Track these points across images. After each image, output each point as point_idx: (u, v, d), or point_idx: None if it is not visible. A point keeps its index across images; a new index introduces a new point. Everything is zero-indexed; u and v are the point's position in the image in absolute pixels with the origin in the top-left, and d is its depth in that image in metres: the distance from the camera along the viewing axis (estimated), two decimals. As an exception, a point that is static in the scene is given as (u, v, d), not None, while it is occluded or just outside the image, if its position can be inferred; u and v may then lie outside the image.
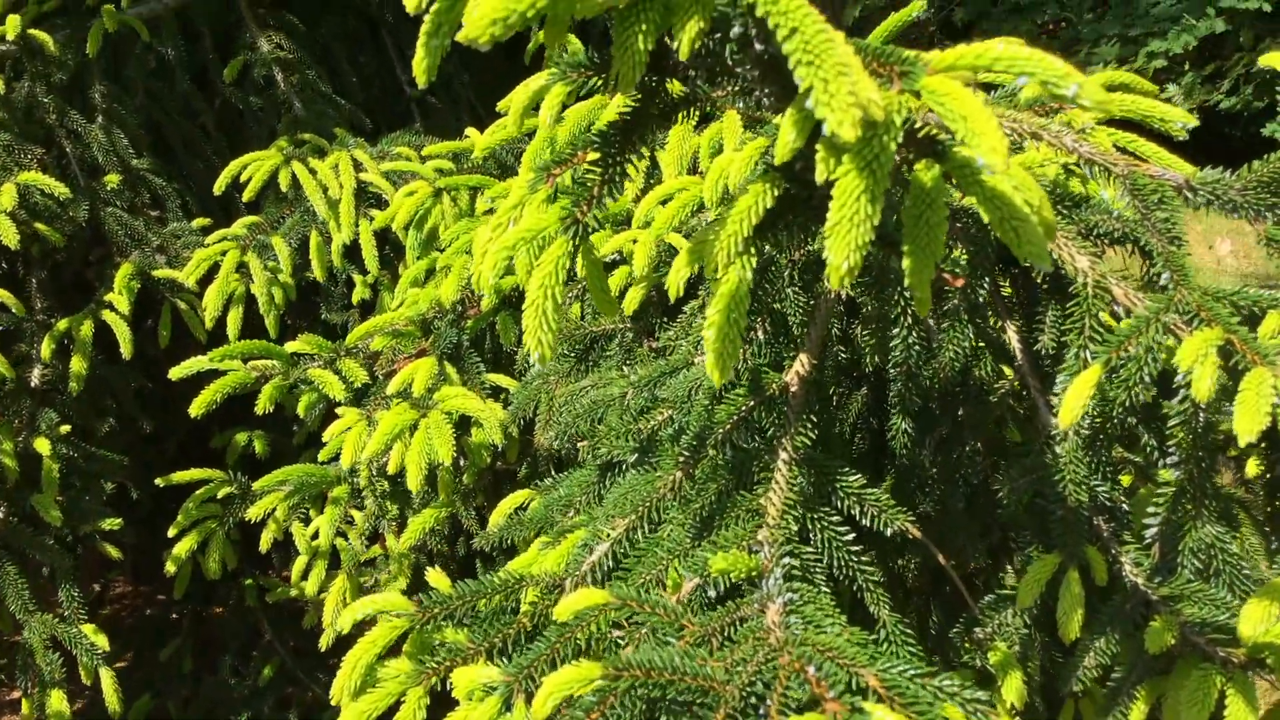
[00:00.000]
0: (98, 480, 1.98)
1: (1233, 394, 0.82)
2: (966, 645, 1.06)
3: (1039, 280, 1.11)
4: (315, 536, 1.79)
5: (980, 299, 1.08)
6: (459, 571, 2.01)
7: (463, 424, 1.57)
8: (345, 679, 0.94)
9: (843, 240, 0.59)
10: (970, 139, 0.56)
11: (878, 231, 0.60)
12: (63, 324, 1.94)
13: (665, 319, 1.44)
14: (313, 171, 1.95)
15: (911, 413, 1.13)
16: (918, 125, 0.71)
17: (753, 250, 0.71)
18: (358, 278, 2.06)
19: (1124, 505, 1.04)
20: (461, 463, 1.63)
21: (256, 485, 1.74)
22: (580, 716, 0.70)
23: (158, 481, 1.88)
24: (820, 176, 0.64)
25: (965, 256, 1.07)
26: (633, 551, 0.97)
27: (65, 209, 2.01)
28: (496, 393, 1.69)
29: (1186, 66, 5.49)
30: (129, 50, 2.34)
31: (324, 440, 1.59)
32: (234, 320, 1.87)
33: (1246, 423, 0.77)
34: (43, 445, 1.83)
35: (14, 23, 2.01)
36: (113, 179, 2.14)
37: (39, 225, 1.96)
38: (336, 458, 1.62)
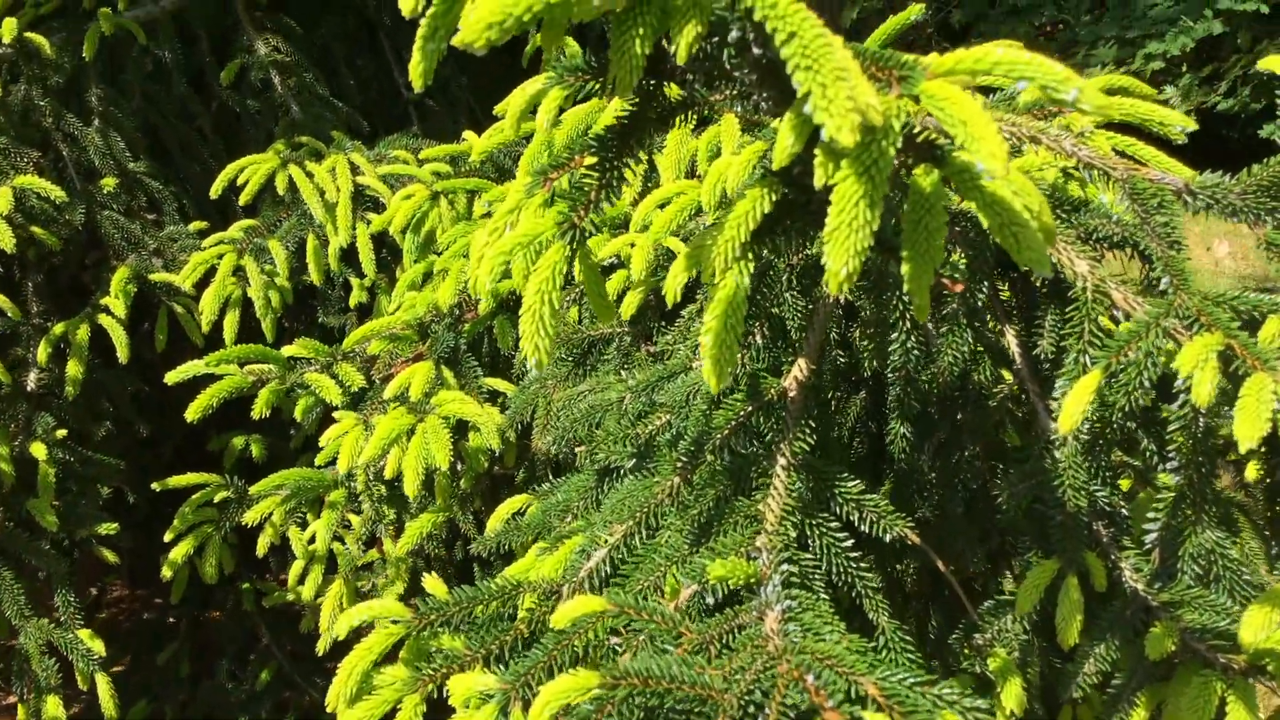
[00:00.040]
0: (94, 485, 1.97)
1: (1233, 398, 0.81)
2: (966, 651, 1.06)
3: (1038, 284, 1.11)
4: (312, 541, 1.78)
5: (979, 303, 1.08)
6: (456, 576, 2.00)
7: (460, 428, 1.56)
8: (341, 686, 0.93)
9: (841, 246, 0.58)
10: (970, 144, 0.56)
11: (876, 236, 0.59)
12: (59, 328, 1.93)
13: (663, 323, 1.43)
14: (310, 175, 1.95)
15: (910, 417, 1.12)
16: (916, 130, 0.70)
17: (750, 255, 0.70)
18: (355, 281, 2.05)
19: (1123, 510, 1.04)
20: (459, 467, 1.62)
21: (253, 489, 1.73)
22: (577, 725, 0.70)
23: (154, 486, 1.87)
24: (819, 181, 0.64)
25: (964, 261, 1.07)
26: (630, 557, 0.96)
27: (61, 212, 2.01)
28: (494, 397, 1.68)
29: (1184, 68, 5.50)
30: (126, 53, 2.34)
31: (321, 445, 1.58)
32: (230, 324, 1.87)
33: (1247, 429, 0.76)
34: (39, 450, 1.82)
35: (10, 26, 2.01)
36: (109, 182, 2.14)
37: (35, 229, 1.95)
38: (333, 461, 1.61)
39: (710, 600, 0.86)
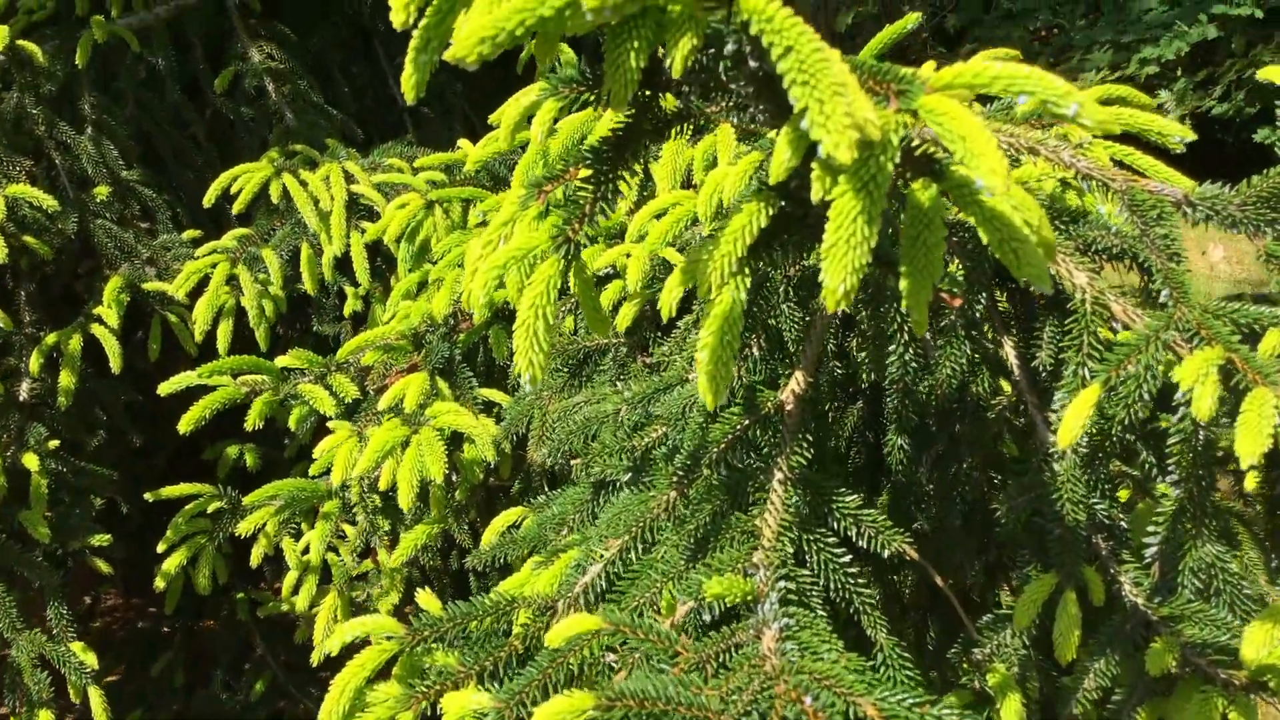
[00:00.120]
0: (87, 495, 1.96)
1: (1232, 410, 0.81)
2: (965, 666, 1.05)
3: (1036, 296, 1.10)
4: (306, 552, 1.77)
5: (977, 314, 1.07)
6: (452, 585, 1.99)
7: (455, 440, 1.55)
8: (333, 703, 0.92)
9: (839, 263, 0.57)
10: (969, 160, 0.55)
11: (874, 250, 0.59)
12: (51, 338, 1.92)
13: (659, 333, 1.43)
14: (304, 183, 1.94)
15: (908, 429, 1.11)
16: (915, 143, 0.70)
17: (747, 270, 0.70)
18: (349, 290, 2.04)
19: (1122, 523, 1.03)
20: (454, 479, 1.61)
21: (247, 500, 1.72)
22: (572, 747, 0.69)
23: (147, 496, 1.86)
24: (816, 196, 0.63)
25: (961, 272, 1.06)
26: (626, 573, 0.95)
27: (54, 221, 2.00)
28: (489, 407, 1.67)
29: (1179, 73, 5.50)
30: (119, 61, 2.33)
31: (315, 456, 1.57)
32: (224, 333, 1.86)
33: (1249, 444, 0.75)
34: (31, 461, 1.81)
35: (2, 34, 2.00)
36: (102, 191, 2.13)
37: (27, 238, 1.94)
38: (328, 471, 1.60)
39: (707, 617, 0.85)
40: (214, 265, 1.89)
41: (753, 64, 0.69)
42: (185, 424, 1.49)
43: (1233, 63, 5.35)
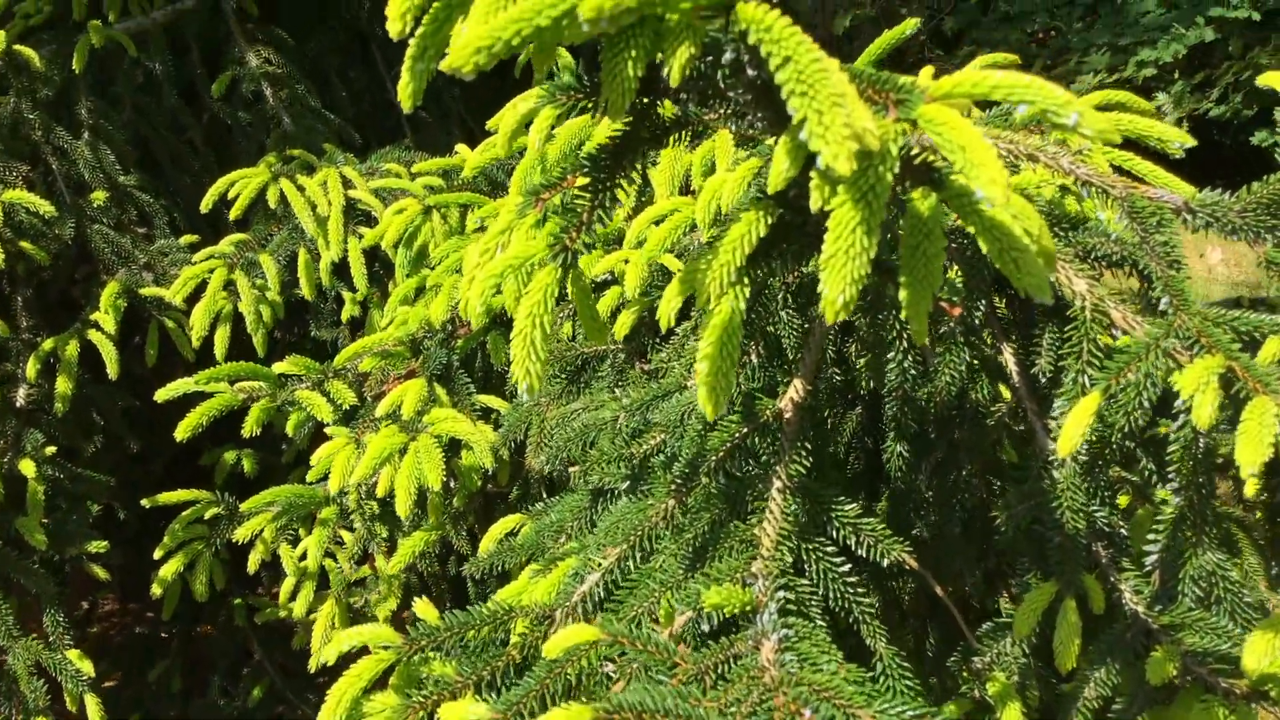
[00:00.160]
0: (84, 502, 1.95)
1: (1232, 417, 0.80)
2: (965, 674, 1.05)
3: (1036, 303, 1.10)
4: (303, 558, 1.77)
5: (976, 321, 1.07)
6: (450, 591, 1.99)
7: (453, 446, 1.55)
8: (330, 713, 0.91)
9: (838, 274, 0.57)
10: (969, 170, 0.55)
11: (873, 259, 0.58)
12: (48, 343, 1.92)
13: (658, 340, 1.42)
14: (301, 189, 1.93)
15: (907, 436, 1.11)
16: (914, 151, 0.69)
17: (746, 280, 0.69)
18: (347, 295, 2.04)
19: (1122, 530, 1.02)
20: (452, 485, 1.61)
21: (244, 506, 1.72)
22: (570, 759, 0.68)
23: (144, 503, 1.85)
24: (815, 205, 0.62)
25: (960, 279, 1.05)
26: (624, 582, 0.95)
27: (51, 227, 1.99)
28: (487, 414, 1.67)
29: (1176, 75, 5.50)
30: (116, 65, 2.33)
31: (312, 463, 1.57)
32: (221, 339, 1.85)
33: (1250, 453, 0.75)
34: (28, 467, 1.80)
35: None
36: (99, 196, 2.12)
37: (24, 244, 1.94)
38: (326, 477, 1.60)
39: (706, 627, 0.85)
40: (211, 271, 1.88)
41: (751, 72, 0.69)
42: (182, 431, 1.48)
43: (1230, 65, 5.35)
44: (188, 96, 2.45)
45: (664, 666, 0.77)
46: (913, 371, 1.04)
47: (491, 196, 1.86)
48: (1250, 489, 1.08)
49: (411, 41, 0.66)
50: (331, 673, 0.99)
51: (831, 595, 0.89)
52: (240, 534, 1.70)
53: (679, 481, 0.96)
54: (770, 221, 0.71)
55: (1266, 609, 1.07)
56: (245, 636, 2.43)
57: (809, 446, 0.94)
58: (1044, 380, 1.06)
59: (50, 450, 1.89)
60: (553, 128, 1.20)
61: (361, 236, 1.93)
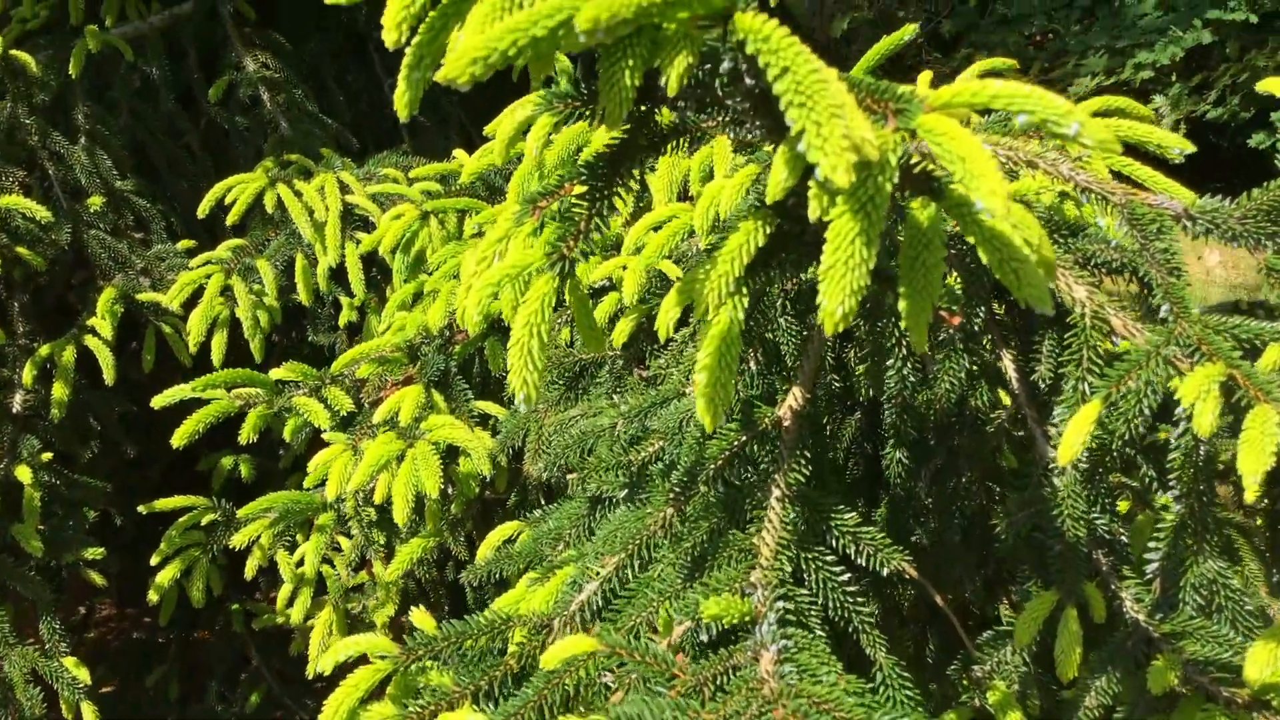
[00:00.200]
0: (80, 508, 1.94)
1: (1232, 424, 0.80)
2: (965, 683, 1.04)
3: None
4: (301, 564, 1.76)
5: (976, 327, 1.07)
6: (448, 597, 1.98)
7: (451, 453, 1.54)
8: (327, 725, 0.91)
9: (837, 285, 0.57)
10: (969, 181, 0.54)
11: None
12: (44, 349, 1.91)
13: (656, 346, 1.42)
14: (298, 194, 1.93)
15: (906, 443, 1.10)
16: (913, 160, 0.69)
17: (744, 290, 0.69)
18: (344, 300, 2.03)
19: (1123, 537, 1.02)
20: (449, 492, 1.60)
21: (241, 512, 1.71)
22: (569, 773, 0.68)
23: (140, 509, 1.84)
24: (813, 214, 0.62)
25: (959, 285, 1.05)
26: (623, 591, 0.94)
27: (47, 232, 1.98)
28: (484, 420, 1.66)
29: (1174, 78, 5.51)
30: (113, 70, 2.32)
31: (309, 470, 1.56)
32: (218, 345, 1.84)
33: (1252, 463, 0.75)
34: (24, 473, 1.79)
35: (-4, 43, 1.99)
36: (96, 201, 2.12)
37: (21, 249, 1.93)
38: (323, 483, 1.59)
39: (705, 637, 0.84)
40: (208, 276, 1.88)
41: (749, 81, 0.69)
42: (178, 439, 1.48)
43: (1227, 67, 5.36)
44: (185, 101, 2.44)
45: (662, 678, 0.76)
46: (912, 379, 1.03)
47: (489, 202, 1.86)
48: (1250, 495, 1.08)
49: (408, 50, 0.66)
50: (330, 679, 0.98)
51: (831, 605, 0.88)
52: (237, 540, 1.70)
53: (677, 490, 0.96)
54: (769, 231, 0.70)
55: (1267, 615, 1.07)
56: (243, 642, 2.43)
57: (808, 455, 0.93)
58: (1044, 387, 1.06)
59: (47, 456, 1.88)
60: (550, 135, 1.19)
61: (359, 242, 1.92)
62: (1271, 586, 1.12)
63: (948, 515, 1.15)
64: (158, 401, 1.53)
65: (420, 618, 1.02)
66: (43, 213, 1.88)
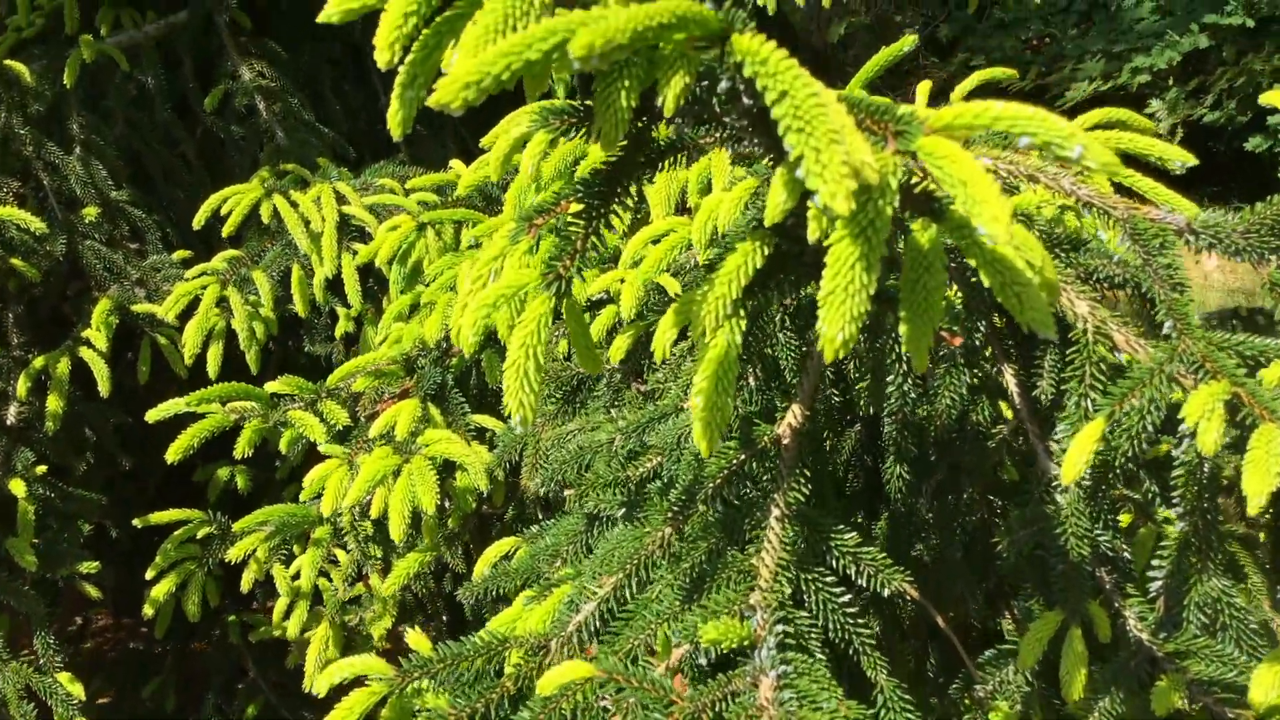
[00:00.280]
0: (75, 521, 1.93)
1: (1237, 440, 0.79)
2: (967, 702, 1.03)
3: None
4: (297, 577, 1.75)
5: (977, 342, 1.06)
6: (446, 608, 1.97)
7: (448, 467, 1.53)
8: (322, 749, 0.90)
9: (837, 311, 0.56)
10: (970, 207, 0.53)
11: (873, 295, 0.57)
12: (39, 361, 1.90)
13: (653, 360, 1.41)
14: (294, 204, 1.92)
15: (907, 459, 1.09)
16: (914, 179, 0.68)
17: (742, 312, 0.68)
18: (341, 311, 2.02)
19: (1126, 554, 1.01)
20: (446, 506, 1.59)
21: (237, 526, 1.70)
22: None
23: (136, 523, 1.83)
24: (812, 236, 0.61)
25: (960, 300, 1.04)
26: (621, 612, 0.93)
27: (42, 243, 1.97)
28: (481, 433, 1.65)
29: (1170, 81, 5.51)
30: (108, 79, 2.31)
31: (304, 484, 1.55)
32: (214, 357, 1.83)
33: (1257, 483, 0.74)
34: (18, 487, 1.78)
35: (-10, 53, 1.98)
36: (91, 211, 2.11)
37: (15, 260, 1.92)
38: (319, 496, 1.58)
39: (703, 661, 0.83)
40: (204, 287, 1.87)
41: (747, 100, 0.68)
42: (173, 453, 1.47)
43: (1224, 71, 5.35)
44: (180, 110, 2.43)
45: (660, 704, 0.75)
46: (912, 395, 1.02)
47: (486, 212, 1.85)
48: (1253, 509, 1.06)
49: (401, 69, 0.65)
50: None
51: (831, 626, 0.87)
52: (233, 554, 1.69)
53: (676, 509, 0.95)
54: (767, 252, 0.69)
55: (1271, 630, 1.06)
56: (240, 653, 2.41)
57: (808, 473, 0.92)
58: (1046, 401, 1.05)
59: (41, 469, 1.87)
60: (546, 153, 1.18)
61: (356, 253, 1.91)
62: (1275, 601, 1.11)
63: (949, 531, 1.14)
64: (152, 416, 1.52)
65: (416, 639, 1.01)
66: (37, 224, 1.87)
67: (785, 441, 0.94)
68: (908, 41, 1.18)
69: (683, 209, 1.39)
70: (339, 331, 2.03)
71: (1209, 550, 0.94)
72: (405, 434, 1.49)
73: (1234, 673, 0.90)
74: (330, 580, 1.80)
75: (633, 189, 0.81)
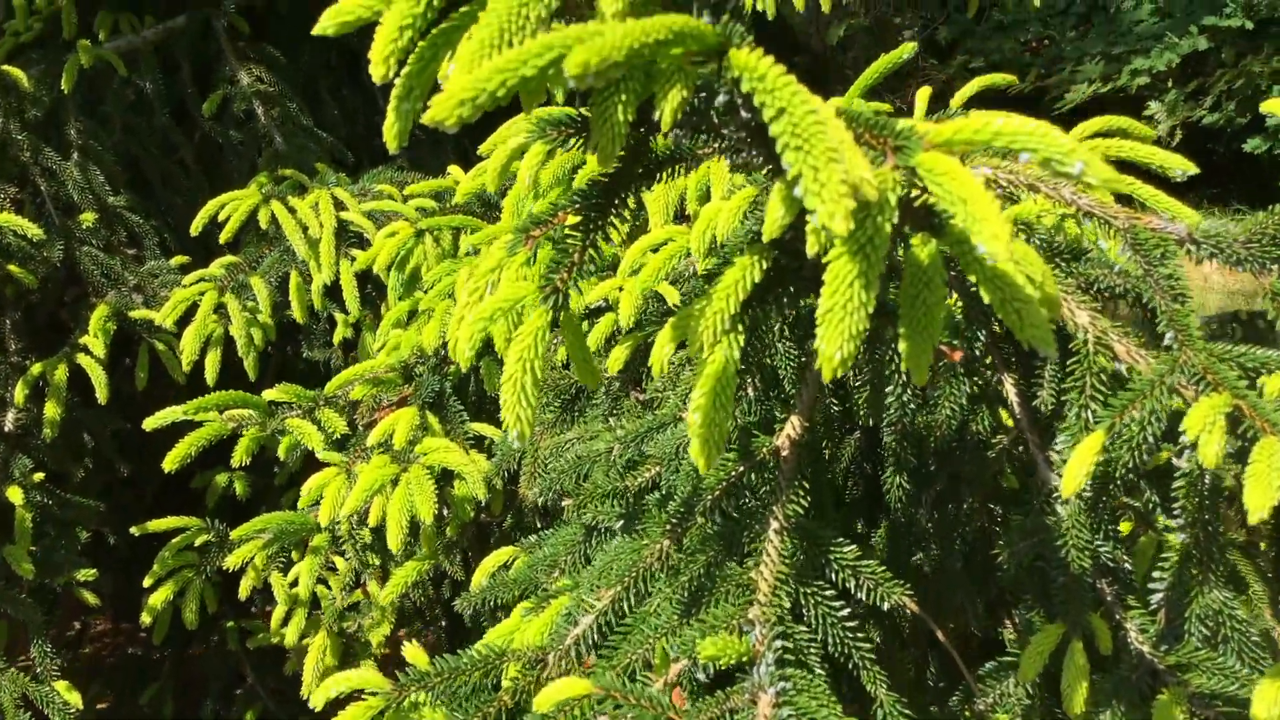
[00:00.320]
0: (73, 528, 1.92)
1: (1238, 450, 0.79)
2: (967, 714, 1.02)
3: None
4: (295, 585, 1.74)
5: (977, 352, 1.05)
6: (444, 616, 1.96)
7: (446, 475, 1.53)
8: (319, 763, 0.89)
9: (836, 329, 0.55)
10: (970, 224, 0.53)
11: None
12: (37, 368, 1.89)
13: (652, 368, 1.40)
14: (292, 210, 1.91)
15: (907, 469, 1.09)
16: (914, 193, 0.67)
17: (740, 328, 0.67)
18: (339, 317, 2.02)
19: (1127, 564, 1.00)
20: (445, 515, 1.58)
21: (235, 534, 1.69)
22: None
23: (133, 531, 1.83)
24: (811, 251, 0.61)
25: (959, 308, 1.04)
26: (619, 625, 0.93)
27: (39, 249, 1.97)
28: (480, 441, 1.65)
29: (1170, 83, 5.51)
30: (106, 84, 2.30)
31: (302, 492, 1.54)
32: (212, 363, 1.83)
33: (1258, 497, 0.73)
34: (15, 494, 1.78)
35: (-13, 59, 1.98)
36: (88, 217, 2.10)
37: (12, 267, 1.92)
38: (317, 503, 1.58)
39: (702, 676, 0.83)
40: (202, 293, 1.86)
41: (745, 114, 0.67)
42: (170, 462, 1.46)
43: (1223, 73, 5.35)
44: (178, 115, 2.43)
45: (659, 721, 0.75)
46: (912, 405, 1.02)
47: (484, 218, 1.84)
48: (1253, 521, 1.06)
49: (397, 82, 0.65)
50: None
51: (830, 641, 0.87)
52: (231, 562, 1.68)
53: (674, 521, 0.94)
54: (765, 266, 0.69)
55: (1273, 640, 1.06)
56: (238, 660, 2.41)
57: (807, 485, 0.91)
58: (1046, 411, 1.05)
59: (39, 476, 1.87)
60: (543, 163, 1.18)
61: (354, 259, 1.91)
62: (1276, 610, 1.10)
63: (949, 541, 1.13)
64: (150, 424, 1.51)
65: (413, 652, 1.01)
66: (34, 230, 1.86)
67: (784, 453, 0.93)
68: (907, 49, 1.18)
69: (681, 217, 1.39)
70: (337, 337, 2.03)
71: (1210, 562, 0.93)
72: (403, 442, 1.48)
73: (1236, 686, 0.90)
74: (328, 587, 1.79)
75: (630, 200, 0.81)
